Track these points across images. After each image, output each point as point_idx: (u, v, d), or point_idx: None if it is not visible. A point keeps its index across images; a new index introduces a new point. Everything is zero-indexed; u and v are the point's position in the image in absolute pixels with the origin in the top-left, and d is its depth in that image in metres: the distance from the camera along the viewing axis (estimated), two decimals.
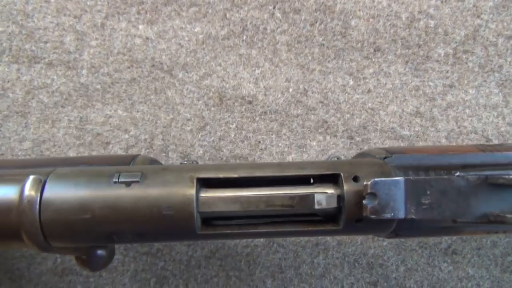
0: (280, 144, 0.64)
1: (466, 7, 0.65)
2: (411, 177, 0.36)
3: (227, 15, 0.66)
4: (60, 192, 0.37)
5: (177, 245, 0.63)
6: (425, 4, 0.65)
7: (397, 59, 0.65)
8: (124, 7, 0.66)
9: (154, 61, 0.65)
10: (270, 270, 0.63)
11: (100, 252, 0.42)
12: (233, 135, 0.64)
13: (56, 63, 0.65)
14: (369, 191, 0.36)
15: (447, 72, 0.65)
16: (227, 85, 0.65)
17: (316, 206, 0.37)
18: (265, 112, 0.65)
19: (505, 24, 0.65)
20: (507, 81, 0.65)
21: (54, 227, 0.36)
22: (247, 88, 0.65)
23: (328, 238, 0.63)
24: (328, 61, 0.65)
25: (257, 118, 0.65)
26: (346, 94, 0.65)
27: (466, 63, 0.65)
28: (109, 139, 0.64)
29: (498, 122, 0.64)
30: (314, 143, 0.64)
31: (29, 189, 0.36)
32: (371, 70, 0.65)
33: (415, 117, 0.64)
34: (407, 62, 0.65)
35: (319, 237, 0.63)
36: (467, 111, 0.64)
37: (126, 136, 0.64)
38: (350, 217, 0.38)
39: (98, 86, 0.65)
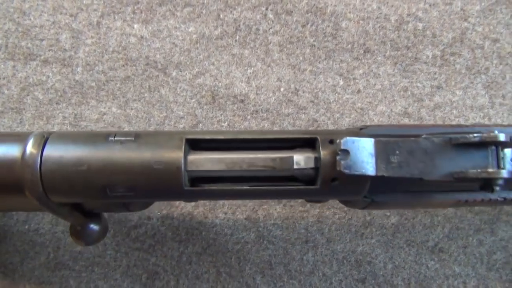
0: None
1: (454, 11, 0.66)
2: (381, 138, 0.39)
3: (221, 16, 0.67)
4: (60, 148, 0.40)
5: (168, 241, 0.64)
6: (414, 7, 0.66)
7: (386, 60, 0.66)
8: (119, 7, 0.67)
9: (149, 59, 0.66)
10: (260, 267, 0.63)
11: (93, 226, 0.44)
12: None
13: (52, 60, 0.66)
14: (342, 147, 0.38)
15: (435, 73, 0.66)
16: (220, 84, 0.66)
17: (295, 166, 0.40)
18: (257, 111, 0.66)
19: (491, 27, 0.66)
20: (493, 83, 0.66)
21: (53, 179, 0.39)
22: (239, 87, 0.66)
23: (317, 235, 0.64)
24: (319, 62, 0.66)
25: (248, 117, 0.66)
26: (336, 94, 0.66)
27: (454, 65, 0.66)
28: None
29: (484, 123, 0.65)
30: None
31: (31, 146, 0.39)
32: (361, 71, 0.66)
33: (403, 117, 0.65)
34: (396, 63, 0.66)
35: (308, 234, 0.64)
36: (454, 111, 0.66)
37: None
38: (326, 177, 0.40)
39: (93, 84, 0.66)
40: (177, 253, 0.63)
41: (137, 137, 0.41)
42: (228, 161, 0.40)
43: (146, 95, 0.66)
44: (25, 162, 0.38)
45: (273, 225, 0.64)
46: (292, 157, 0.40)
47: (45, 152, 0.39)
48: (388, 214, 0.64)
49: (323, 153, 0.40)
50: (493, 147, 0.40)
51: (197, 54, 0.66)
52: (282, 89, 0.66)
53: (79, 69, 0.66)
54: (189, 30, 0.66)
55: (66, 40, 0.66)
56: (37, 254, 0.64)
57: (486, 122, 0.65)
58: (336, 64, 0.66)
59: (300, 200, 0.64)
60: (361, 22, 0.66)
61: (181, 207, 0.64)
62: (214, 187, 0.41)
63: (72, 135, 0.42)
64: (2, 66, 0.66)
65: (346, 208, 0.64)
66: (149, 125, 0.65)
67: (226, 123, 0.65)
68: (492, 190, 0.39)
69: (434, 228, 0.64)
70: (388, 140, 0.39)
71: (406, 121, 0.65)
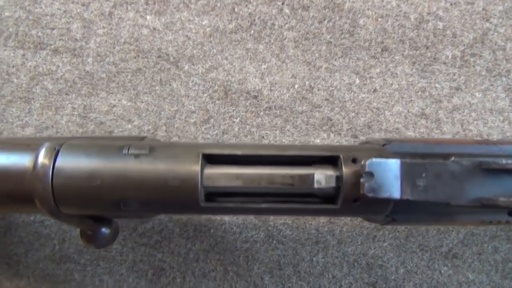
0: (283, 140, 0.64)
1: (476, 10, 0.65)
2: (407, 160, 0.38)
3: (236, 9, 0.66)
4: (72, 160, 0.39)
5: (176, 237, 0.63)
6: (434, 5, 0.65)
7: (404, 59, 0.65)
8: None
9: (161, 52, 0.65)
10: (268, 267, 0.62)
11: (104, 229, 0.43)
12: (236, 129, 0.64)
13: (62, 50, 0.65)
14: (366, 170, 0.37)
15: (454, 74, 0.65)
16: (233, 79, 0.65)
17: (316, 185, 0.39)
18: (270, 108, 0.64)
19: None
20: None
21: (65, 192, 0.38)
22: (253, 82, 0.65)
23: (328, 236, 0.63)
24: (335, 59, 0.65)
25: (261, 113, 0.64)
26: (352, 92, 0.64)
27: (474, 66, 0.65)
28: (112, 128, 0.64)
29: (504, 127, 0.64)
30: (318, 140, 0.64)
31: (43, 157, 0.38)
32: (377, 70, 0.65)
33: (421, 119, 0.64)
34: (414, 63, 0.65)
35: (319, 235, 0.63)
36: (473, 114, 0.64)
37: (130, 126, 0.64)
38: (347, 197, 0.39)
39: (103, 75, 0.65)
40: (184, 250, 0.63)
41: (152, 151, 0.40)
42: (246, 177, 0.39)
43: (157, 88, 0.65)
44: (36, 173, 0.38)
45: (283, 224, 0.63)
46: (313, 175, 0.39)
47: (57, 164, 0.38)
48: None
49: (346, 172, 0.39)
50: None
51: (211, 48, 0.65)
52: (296, 86, 0.64)
53: (90, 59, 0.65)
54: (203, 23, 0.65)
55: (77, 29, 0.65)
56: (42, 246, 0.63)
57: (506, 126, 0.64)
58: (352, 62, 0.65)
59: None
60: (379, 19, 0.65)
61: None
62: (230, 204, 0.40)
63: (84, 146, 0.41)
64: (12, 54, 0.65)
65: None
66: (159, 118, 0.64)
67: (238, 119, 0.64)
68: None
69: (449, 234, 0.63)
70: (414, 162, 0.38)
71: (423, 122, 0.64)
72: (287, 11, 0.65)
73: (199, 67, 0.65)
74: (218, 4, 0.66)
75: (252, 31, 0.65)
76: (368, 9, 0.65)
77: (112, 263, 0.63)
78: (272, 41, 0.65)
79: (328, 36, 0.65)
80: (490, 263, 0.63)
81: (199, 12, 0.66)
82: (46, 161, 0.38)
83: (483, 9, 0.65)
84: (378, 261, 0.62)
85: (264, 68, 0.65)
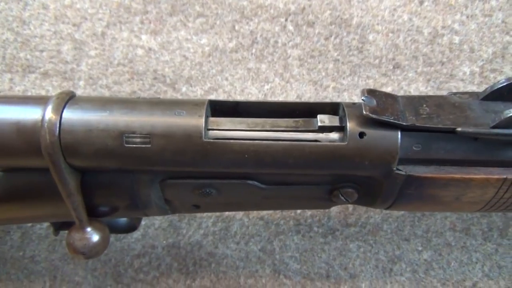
0: None
1: (494, 23, 0.62)
2: (406, 95, 0.41)
3: (236, 27, 0.63)
4: (86, 98, 0.42)
5: (174, 273, 0.59)
6: (449, 19, 0.62)
7: (418, 77, 0.62)
8: (127, 16, 0.63)
9: (157, 73, 0.63)
10: None
11: (93, 232, 0.44)
12: None
13: (52, 73, 0.63)
14: (366, 94, 0.39)
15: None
16: None
17: (319, 123, 0.40)
18: None
19: None
20: None
21: (73, 122, 0.39)
22: None
23: (340, 270, 0.58)
24: (343, 78, 0.62)
25: None
26: None
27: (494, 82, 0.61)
28: None
29: None
30: None
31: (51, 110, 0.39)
32: (389, 88, 0.62)
33: None
34: (429, 80, 0.62)
35: (329, 269, 0.58)
36: None
37: None
38: (353, 132, 0.39)
39: None
40: (184, 287, 0.59)
41: (163, 99, 0.43)
42: (250, 122, 0.41)
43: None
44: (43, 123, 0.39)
45: (290, 257, 0.60)
46: (316, 118, 0.40)
47: (65, 114, 0.40)
48: (420, 248, 0.59)
49: (348, 112, 0.40)
50: None
51: (210, 68, 0.63)
52: None
53: (81, 82, 0.63)
54: (202, 42, 0.63)
55: (68, 51, 0.63)
56: (32, 283, 0.60)
57: None
58: (362, 80, 0.62)
59: (321, 230, 0.59)
60: (390, 35, 0.62)
61: (189, 236, 0.60)
62: (233, 141, 0.39)
63: (94, 97, 0.44)
64: None
65: (372, 241, 0.59)
66: None
67: None
68: None
69: (472, 266, 0.59)
70: (413, 96, 0.41)
71: None
72: (291, 27, 0.63)
73: (197, 89, 0.63)
74: (218, 22, 0.63)
75: (253, 50, 0.63)
76: (377, 24, 0.62)
77: None
78: (275, 59, 0.63)
79: (335, 54, 0.62)
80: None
81: (197, 31, 0.63)
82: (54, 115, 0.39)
83: (503, 21, 0.62)
84: None
85: (267, 89, 0.62)
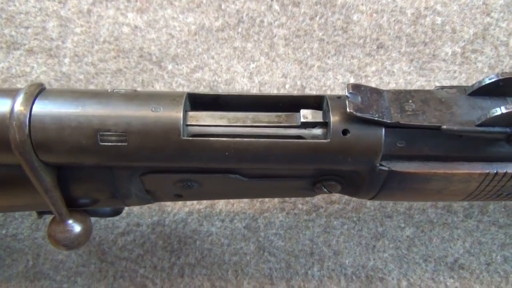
0: None
1: (475, 4, 0.63)
2: (392, 90, 0.39)
3: (222, 6, 0.64)
4: (57, 92, 0.39)
5: (159, 251, 0.59)
6: (432, 0, 0.63)
7: (401, 57, 0.63)
8: None
9: (143, 51, 0.63)
10: (259, 281, 0.59)
11: (74, 224, 0.42)
12: None
13: (37, 50, 0.63)
14: (351, 90, 0.37)
15: (455, 72, 0.63)
16: (220, 79, 0.63)
17: (302, 119, 0.38)
18: None
19: None
20: None
21: (42, 119, 0.37)
22: (241, 82, 0.62)
23: (324, 247, 0.59)
24: (328, 57, 0.63)
25: None
26: None
27: (475, 63, 0.63)
28: None
29: None
30: None
31: (20, 103, 0.37)
32: (373, 68, 0.62)
33: None
34: (412, 60, 0.63)
35: (314, 246, 0.59)
36: None
37: None
38: (336, 129, 0.38)
39: (81, 76, 0.62)
40: (168, 264, 0.59)
41: (138, 92, 0.41)
42: (231, 116, 0.39)
43: (139, 89, 0.61)
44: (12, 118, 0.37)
45: (275, 235, 0.60)
46: (299, 113, 0.39)
47: (39, 97, 0.38)
48: (403, 225, 0.59)
49: (332, 106, 0.39)
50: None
51: (196, 47, 0.63)
52: (287, 86, 0.62)
53: (67, 60, 0.63)
54: (188, 20, 0.63)
55: (53, 28, 0.63)
56: (14, 261, 0.60)
57: None
58: (346, 60, 0.63)
59: (305, 208, 0.60)
60: (374, 15, 0.63)
61: (174, 213, 0.60)
62: (213, 139, 0.38)
63: (66, 90, 0.41)
64: None
65: (355, 218, 0.60)
66: None
67: None
68: None
69: (454, 242, 0.59)
70: (399, 90, 0.39)
71: None
72: (276, 7, 0.63)
73: (183, 67, 0.63)
74: (204, 1, 0.64)
75: (240, 29, 0.63)
76: (362, 4, 0.64)
77: (91, 280, 0.59)
78: (261, 39, 0.63)
79: (320, 33, 0.63)
80: (500, 274, 0.59)
81: (184, 9, 0.64)
82: (23, 107, 0.37)
83: (483, 3, 0.63)
84: (378, 273, 0.58)
85: (253, 68, 0.63)
